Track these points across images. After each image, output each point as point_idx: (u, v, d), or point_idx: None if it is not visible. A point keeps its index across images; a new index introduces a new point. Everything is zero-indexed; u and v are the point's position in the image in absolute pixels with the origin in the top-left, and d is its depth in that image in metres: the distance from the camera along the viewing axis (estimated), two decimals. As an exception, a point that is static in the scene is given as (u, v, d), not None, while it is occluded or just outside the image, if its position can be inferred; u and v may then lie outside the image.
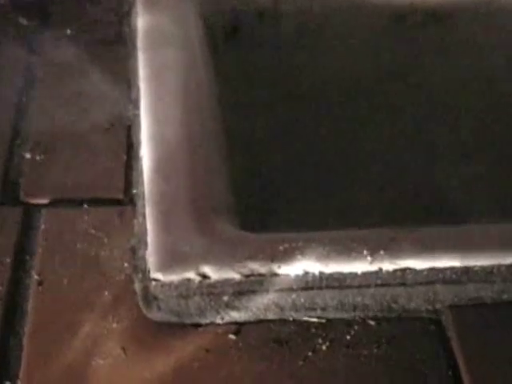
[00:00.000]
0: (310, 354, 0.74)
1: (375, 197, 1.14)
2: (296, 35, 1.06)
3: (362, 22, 1.07)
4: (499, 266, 0.76)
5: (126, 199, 0.86)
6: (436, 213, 1.15)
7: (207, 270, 0.75)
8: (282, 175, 1.11)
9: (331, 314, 0.76)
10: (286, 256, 0.76)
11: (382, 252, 0.76)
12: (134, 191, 0.85)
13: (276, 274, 0.75)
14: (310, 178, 1.13)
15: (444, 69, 1.09)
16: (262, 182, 1.08)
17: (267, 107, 1.08)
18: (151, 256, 0.76)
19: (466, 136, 1.14)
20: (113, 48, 1.02)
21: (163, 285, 0.74)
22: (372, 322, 0.76)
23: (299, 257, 0.76)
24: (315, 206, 1.09)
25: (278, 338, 0.75)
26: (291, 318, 0.76)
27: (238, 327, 0.75)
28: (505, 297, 0.76)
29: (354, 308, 0.76)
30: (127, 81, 0.96)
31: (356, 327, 0.76)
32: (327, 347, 0.74)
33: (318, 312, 0.76)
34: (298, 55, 1.06)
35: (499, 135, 1.14)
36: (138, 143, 0.88)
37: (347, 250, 0.76)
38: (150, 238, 0.78)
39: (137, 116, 0.90)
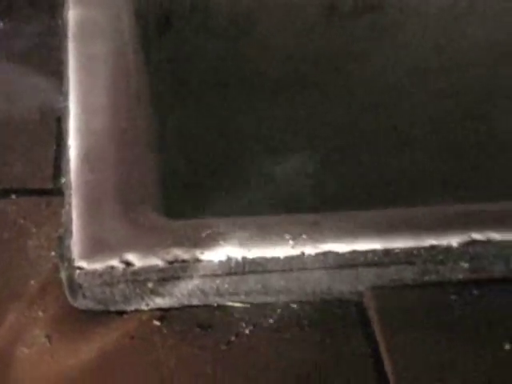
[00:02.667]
0: (233, 338, 0.73)
1: (315, 182, 1.12)
2: (227, 26, 1.04)
3: (294, 11, 1.05)
4: (419, 249, 0.75)
5: (54, 189, 0.85)
6: (379, 198, 1.14)
7: (131, 257, 0.74)
8: (212, 161, 1.09)
9: (255, 299, 0.75)
10: (209, 242, 0.75)
11: (304, 236, 0.75)
12: (63, 180, 0.82)
13: (199, 260, 0.74)
14: (240, 163, 1.11)
15: (375, 55, 1.07)
16: (193, 168, 1.06)
17: (197, 95, 1.06)
18: (76, 245, 0.75)
19: (401, 123, 1.12)
20: (46, 40, 0.99)
21: (87, 273, 0.73)
22: (295, 306, 0.75)
23: (222, 242, 0.75)
24: (245, 192, 1.07)
25: (201, 324, 0.74)
26: (215, 304, 0.75)
27: (163, 313, 0.74)
28: (425, 278, 0.76)
29: (277, 292, 0.75)
30: (59, 72, 0.93)
31: (279, 311, 0.75)
32: (250, 331, 0.73)
33: (242, 297, 0.75)
34: (229, 45, 1.04)
35: (434, 121, 1.13)
36: (67, 133, 0.85)
37: (269, 235, 0.75)
38: (75, 226, 0.77)
39: (66, 107, 0.88)
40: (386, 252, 0.75)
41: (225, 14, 1.08)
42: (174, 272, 0.73)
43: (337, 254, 0.74)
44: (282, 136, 1.12)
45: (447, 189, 1.15)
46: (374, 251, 0.75)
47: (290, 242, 0.74)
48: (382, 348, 0.71)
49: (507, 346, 0.72)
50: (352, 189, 1.17)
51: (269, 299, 0.75)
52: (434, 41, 1.09)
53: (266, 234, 0.75)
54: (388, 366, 0.70)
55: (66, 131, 0.86)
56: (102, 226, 0.75)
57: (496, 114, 1.15)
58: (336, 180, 1.18)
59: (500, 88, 1.14)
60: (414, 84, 1.11)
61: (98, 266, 0.73)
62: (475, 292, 0.76)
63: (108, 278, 0.73)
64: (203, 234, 0.75)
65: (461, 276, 0.75)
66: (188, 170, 1.07)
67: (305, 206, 1.04)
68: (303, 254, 0.74)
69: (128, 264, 0.73)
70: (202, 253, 0.73)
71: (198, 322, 0.74)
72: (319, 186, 1.19)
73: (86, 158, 0.82)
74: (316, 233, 0.75)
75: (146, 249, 0.73)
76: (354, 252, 0.74)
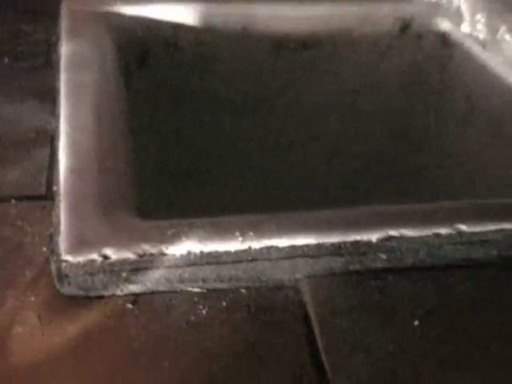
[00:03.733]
0: (192, 317, 0.72)
1: (263, 191, 1.12)
2: (193, 60, 1.04)
3: (248, 48, 1.06)
4: (345, 243, 0.75)
5: (47, 195, 0.84)
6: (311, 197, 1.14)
7: (108, 251, 0.73)
8: (182, 174, 1.09)
9: (210, 285, 0.75)
10: (173, 239, 0.74)
11: (251, 233, 0.75)
12: (54, 188, 0.82)
13: (164, 254, 0.73)
14: (205, 176, 1.11)
15: (314, 82, 1.08)
16: (166, 177, 1.06)
17: (170, 117, 1.06)
18: (63, 241, 0.74)
19: (333, 142, 1.13)
20: (43, 72, 0.99)
21: (72, 265, 0.73)
22: (244, 291, 0.74)
23: (184, 239, 0.74)
24: (210, 197, 1.07)
25: (167, 306, 0.73)
26: (178, 289, 0.74)
27: (135, 298, 0.73)
28: (351, 267, 0.75)
29: (229, 279, 0.74)
30: (53, 98, 0.92)
31: (231, 295, 0.74)
32: (206, 312, 0.73)
33: (200, 283, 0.74)
34: (195, 77, 1.04)
35: (361, 143, 1.13)
36: (58, 149, 0.85)
37: (222, 233, 0.75)
38: (63, 226, 0.76)
39: (58, 127, 0.87)
40: (319, 246, 0.74)
41: (191, 50, 1.07)
42: (144, 264, 0.73)
43: (277, 247, 0.73)
44: (239, 145, 1.12)
45: (371, 191, 1.16)
46: (308, 245, 0.74)
47: (240, 238, 0.74)
48: (315, 326, 0.71)
49: (416, 323, 0.72)
50: (281, 188, 1.17)
51: (222, 285, 0.74)
52: (362, 69, 1.09)
53: (219, 232, 0.74)
54: (319, 342, 0.69)
55: (57, 147, 0.85)
56: (84, 226, 0.75)
57: (413, 129, 1.16)
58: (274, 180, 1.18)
59: (416, 108, 1.14)
60: (345, 104, 1.11)
61: (81, 259, 0.72)
62: (391, 278, 0.75)
63: (89, 269, 0.72)
64: (169, 233, 0.74)
65: (379, 265, 0.75)
66: (160, 178, 1.07)
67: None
68: (250, 248, 0.73)
69: (105, 257, 0.72)
70: (167, 248, 0.73)
71: (163, 305, 0.73)
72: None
73: (73, 169, 0.82)
74: (261, 230, 0.74)
75: (120, 245, 0.73)
76: (292, 246, 0.74)
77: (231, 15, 1.06)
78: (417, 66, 1.08)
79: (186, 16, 1.05)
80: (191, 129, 1.06)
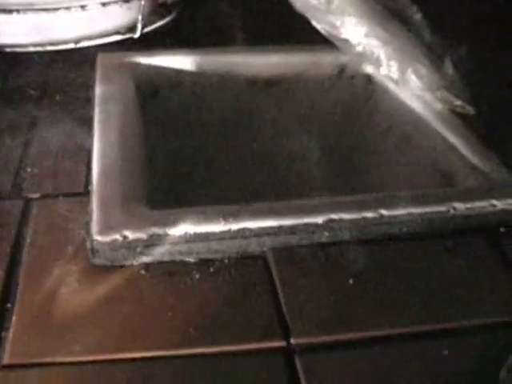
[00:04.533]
0: (188, 281, 0.69)
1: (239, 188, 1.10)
2: (190, 96, 1.02)
3: (229, 86, 1.03)
4: (299, 224, 0.72)
5: (85, 192, 0.80)
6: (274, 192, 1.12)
7: (127, 233, 0.71)
8: (184, 181, 1.07)
9: (202, 256, 0.72)
10: (174, 223, 0.72)
11: (231, 219, 0.71)
12: (89, 187, 0.79)
13: (167, 234, 0.71)
14: (198, 179, 1.09)
15: (277, 113, 1.05)
16: (170, 178, 1.03)
17: (173, 137, 1.03)
18: (94, 226, 0.71)
19: (291, 153, 1.10)
20: (84, 106, 0.96)
21: (101, 243, 0.69)
22: (226, 260, 0.72)
23: (181, 223, 0.72)
24: (205, 198, 1.05)
25: (170, 272, 0.70)
26: (178, 260, 0.71)
27: (147, 266, 0.71)
28: (303, 242, 0.72)
29: (215, 252, 0.72)
30: (90, 125, 0.89)
31: (217, 263, 0.72)
32: (199, 276, 0.70)
33: (194, 255, 0.72)
34: (192, 108, 1.02)
35: (310, 155, 1.11)
36: (92, 159, 0.81)
37: (210, 218, 0.72)
38: (94, 215, 0.73)
39: (93, 144, 0.84)
40: (280, 227, 0.71)
41: (188, 88, 1.05)
42: (153, 241, 0.70)
43: (249, 228, 0.70)
44: (221, 157, 1.10)
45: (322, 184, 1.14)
46: (272, 227, 0.71)
47: (222, 221, 0.71)
48: (278, 285, 0.69)
49: (351, 281, 0.69)
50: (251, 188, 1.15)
51: (210, 256, 0.71)
52: (311, 101, 1.06)
53: (208, 217, 0.72)
54: (281, 296, 0.67)
55: (92, 158, 0.82)
56: (109, 215, 0.72)
57: (346, 143, 1.13)
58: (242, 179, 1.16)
59: (349, 128, 1.12)
60: (298, 127, 1.09)
61: (107, 239, 0.69)
62: (332, 249, 0.73)
63: (113, 246, 0.69)
64: (170, 218, 0.71)
65: (324, 240, 0.72)
66: (169, 181, 1.04)
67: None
68: (230, 229, 0.70)
69: (125, 237, 0.70)
70: (170, 229, 0.70)
71: (168, 271, 0.70)
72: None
73: (102, 174, 0.79)
74: (238, 216, 0.71)
75: (135, 228, 0.70)
76: (260, 227, 0.71)
77: (218, 62, 1.03)
78: (350, 98, 1.05)
79: (185, 64, 1.03)
80: (188, 147, 1.03)
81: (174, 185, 1.05)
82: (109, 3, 0.90)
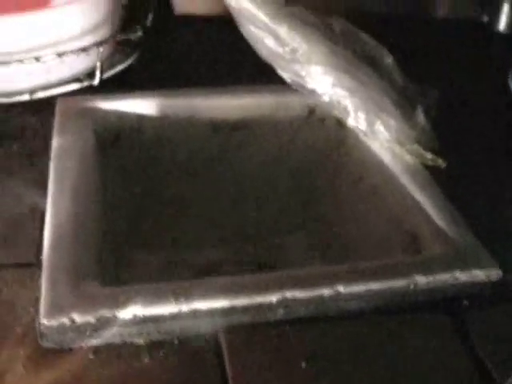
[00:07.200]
0: (137, 364, 0.73)
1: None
2: (153, 140, 1.04)
3: (193, 131, 1.07)
4: (252, 305, 0.75)
5: (36, 263, 0.82)
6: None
7: (75, 316, 0.73)
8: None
9: (152, 338, 0.74)
10: (124, 304, 0.75)
11: (182, 299, 0.74)
12: (41, 257, 0.81)
13: (116, 317, 0.73)
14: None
15: (242, 157, 1.08)
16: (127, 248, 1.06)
17: (136, 186, 1.06)
18: (42, 308, 0.74)
19: (258, 196, 1.12)
20: (42, 159, 0.98)
21: (47, 327, 0.73)
22: (176, 342, 0.75)
23: (131, 304, 0.74)
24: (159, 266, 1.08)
25: (119, 355, 0.73)
26: (128, 342, 0.74)
27: (96, 349, 0.73)
28: (256, 320, 0.75)
29: (166, 333, 0.75)
30: (45, 183, 0.91)
31: (166, 345, 0.75)
32: (148, 359, 0.73)
33: (144, 337, 0.75)
34: (154, 152, 1.04)
35: (278, 197, 1.14)
36: (45, 225, 0.84)
37: (161, 297, 0.75)
38: (43, 294, 0.76)
39: (46, 207, 0.86)
40: (232, 307, 0.74)
41: (151, 133, 1.07)
42: (101, 325, 0.73)
43: (201, 310, 0.73)
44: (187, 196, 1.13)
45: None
46: (223, 307, 0.74)
47: (173, 302, 0.74)
48: (228, 365, 0.72)
49: (303, 365, 0.72)
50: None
51: (161, 338, 0.74)
52: (279, 144, 1.09)
53: (159, 297, 0.74)
54: (230, 374, 0.70)
55: (44, 224, 0.84)
56: (58, 294, 0.75)
57: (317, 188, 1.16)
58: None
59: (319, 174, 1.15)
60: (266, 170, 1.12)
61: (54, 322, 0.72)
62: (286, 327, 0.76)
63: (60, 329, 0.72)
64: (120, 299, 0.74)
65: (278, 318, 0.75)
66: (123, 249, 1.07)
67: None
68: (180, 310, 0.73)
69: (73, 321, 0.72)
70: (119, 312, 0.73)
71: (116, 354, 0.73)
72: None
73: (52, 244, 0.82)
74: (189, 295, 0.74)
75: (84, 310, 0.73)
76: (211, 308, 0.74)
77: (181, 106, 1.06)
78: (320, 142, 1.08)
79: (147, 108, 1.06)
80: (150, 195, 1.05)
81: (131, 253, 1.08)
82: (65, 53, 0.91)
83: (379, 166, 1.01)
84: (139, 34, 1.08)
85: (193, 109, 1.11)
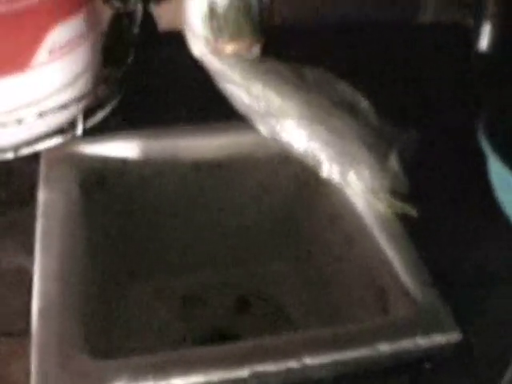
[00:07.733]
0: None
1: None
2: (137, 181, 1.10)
3: (175, 170, 1.12)
4: (224, 380, 0.81)
5: (27, 331, 0.86)
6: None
7: (63, 392, 0.79)
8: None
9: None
10: (110, 378, 0.80)
11: (160, 375, 0.81)
12: (31, 325, 0.87)
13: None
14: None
15: (224, 194, 1.14)
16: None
17: (124, 229, 1.11)
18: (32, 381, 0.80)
19: (238, 231, 1.19)
20: (31, 210, 1.00)
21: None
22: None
23: (118, 378, 0.80)
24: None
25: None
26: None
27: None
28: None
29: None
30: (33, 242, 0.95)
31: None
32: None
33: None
34: (139, 194, 1.10)
35: (255, 232, 1.19)
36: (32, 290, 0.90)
37: (143, 373, 0.81)
38: (32, 365, 0.82)
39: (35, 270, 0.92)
40: (207, 382, 0.81)
41: (135, 174, 1.13)
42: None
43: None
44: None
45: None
46: (197, 382, 0.81)
47: (151, 380, 0.80)
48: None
49: None
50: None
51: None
52: (259, 181, 1.14)
53: (144, 372, 0.81)
54: None
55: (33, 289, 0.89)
56: (45, 371, 0.81)
57: (296, 225, 1.21)
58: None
59: (295, 211, 1.20)
60: (246, 206, 1.18)
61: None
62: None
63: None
64: (107, 373, 0.80)
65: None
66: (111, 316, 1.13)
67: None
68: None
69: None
70: (104, 389, 0.78)
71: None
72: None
73: (41, 313, 0.87)
74: (171, 371, 0.81)
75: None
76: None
77: (163, 147, 1.11)
78: (297, 180, 1.13)
79: (131, 150, 1.10)
80: (134, 237, 1.12)
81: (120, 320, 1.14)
82: (45, 112, 0.96)
83: (353, 213, 1.06)
84: (119, 75, 1.11)
85: (174, 148, 1.16)
